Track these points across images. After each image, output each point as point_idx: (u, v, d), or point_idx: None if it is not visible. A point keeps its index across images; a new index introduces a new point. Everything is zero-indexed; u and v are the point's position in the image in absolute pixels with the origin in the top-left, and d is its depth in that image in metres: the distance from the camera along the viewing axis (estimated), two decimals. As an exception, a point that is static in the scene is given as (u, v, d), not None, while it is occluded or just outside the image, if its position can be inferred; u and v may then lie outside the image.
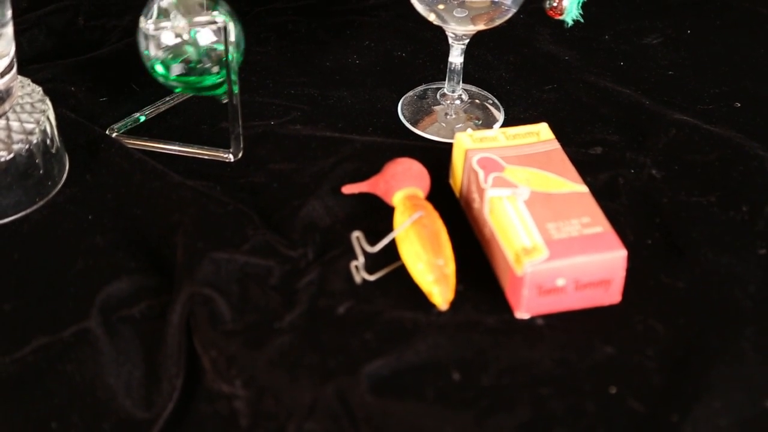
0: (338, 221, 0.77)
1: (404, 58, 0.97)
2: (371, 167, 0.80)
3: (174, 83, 0.83)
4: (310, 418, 0.64)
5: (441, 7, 0.82)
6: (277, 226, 0.77)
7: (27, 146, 0.77)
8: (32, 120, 0.78)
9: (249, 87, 0.91)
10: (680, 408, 0.64)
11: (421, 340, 0.68)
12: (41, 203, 0.79)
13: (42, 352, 0.68)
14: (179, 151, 0.84)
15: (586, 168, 0.81)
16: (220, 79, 0.83)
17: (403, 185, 0.76)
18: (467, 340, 0.68)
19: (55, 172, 0.80)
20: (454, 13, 0.82)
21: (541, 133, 0.80)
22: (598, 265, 0.69)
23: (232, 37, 0.79)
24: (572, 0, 0.84)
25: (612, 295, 0.71)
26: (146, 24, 0.76)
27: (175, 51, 0.82)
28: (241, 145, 0.84)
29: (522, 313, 0.70)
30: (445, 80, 0.90)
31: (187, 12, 0.80)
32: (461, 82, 0.90)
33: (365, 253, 0.73)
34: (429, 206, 0.74)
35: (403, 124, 0.89)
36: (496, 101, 0.91)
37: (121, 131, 0.86)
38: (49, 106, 0.80)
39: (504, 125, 0.89)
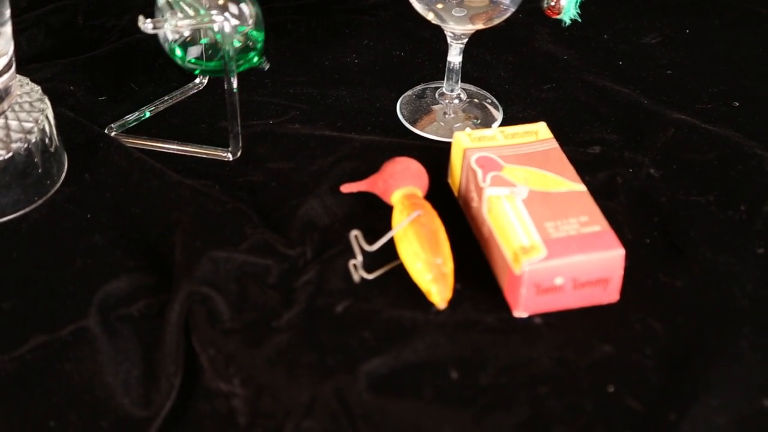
0: (337, 220, 0.77)
1: (403, 57, 0.98)
2: (370, 166, 0.81)
3: (213, 68, 0.83)
4: (309, 416, 0.64)
5: (440, 6, 0.82)
6: (276, 224, 0.77)
7: (26, 145, 0.77)
8: (31, 119, 0.78)
9: (248, 86, 0.91)
10: (678, 407, 0.64)
11: (420, 339, 0.68)
12: (40, 202, 0.79)
13: (40, 351, 0.68)
14: (178, 150, 0.84)
15: (584, 167, 0.81)
16: (258, 48, 0.83)
17: (401, 184, 0.76)
18: (465, 338, 0.68)
19: (54, 171, 0.80)
20: (452, 12, 0.82)
21: (540, 132, 0.80)
22: (596, 264, 0.69)
23: (227, 27, 0.79)
24: (570, -1, 0.84)
25: (610, 294, 0.71)
26: (144, 24, 0.76)
27: (194, 35, 0.83)
28: (240, 144, 0.84)
29: (520, 312, 0.70)
30: (443, 79, 0.90)
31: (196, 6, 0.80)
32: (460, 81, 0.90)
33: (364, 252, 0.73)
34: (427, 205, 0.74)
35: (402, 124, 0.89)
36: (494, 100, 0.91)
37: (119, 130, 0.86)
38: (47, 105, 0.80)
39: (502, 124, 0.89)
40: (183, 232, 0.74)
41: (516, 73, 0.96)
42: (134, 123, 0.87)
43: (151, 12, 0.82)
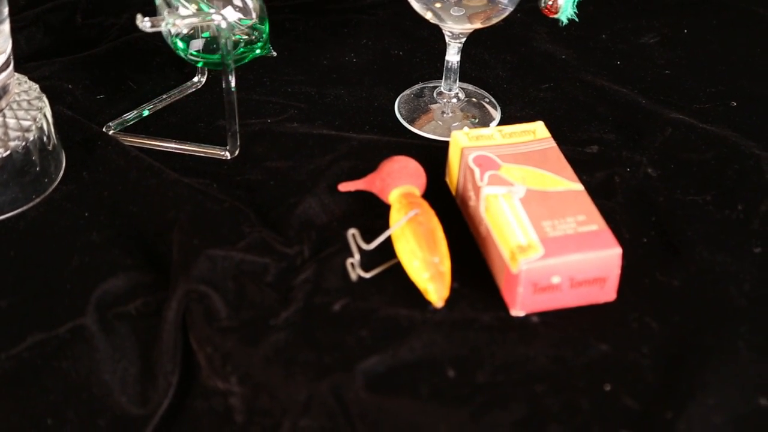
0: (334, 219, 0.77)
1: (401, 56, 0.98)
2: (368, 165, 0.81)
3: (200, 59, 0.84)
4: (306, 414, 0.64)
5: (438, 5, 0.82)
6: (274, 223, 0.77)
7: (24, 143, 0.77)
8: (29, 117, 0.78)
9: (246, 85, 0.91)
10: (674, 405, 0.64)
11: (417, 338, 0.68)
12: (38, 200, 0.79)
13: (38, 349, 0.68)
14: (176, 148, 0.84)
15: (582, 166, 0.81)
16: (263, 40, 0.84)
17: (399, 183, 0.76)
18: (462, 337, 0.68)
19: (52, 169, 0.80)
20: (451, 11, 0.82)
21: (537, 131, 0.80)
22: (594, 262, 0.69)
23: (224, 24, 0.79)
24: (567, -1, 0.85)
25: (607, 292, 0.71)
26: (142, 22, 0.76)
27: (197, 28, 0.83)
28: (238, 143, 0.84)
29: (517, 311, 0.70)
30: (442, 79, 0.90)
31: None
32: (458, 80, 0.90)
33: (361, 251, 0.73)
34: (425, 204, 0.74)
35: (400, 123, 0.89)
36: (492, 100, 0.91)
37: (117, 129, 0.86)
38: (45, 104, 0.81)
39: (500, 124, 0.89)
40: (180, 231, 0.74)
41: (514, 72, 0.96)
42: (133, 121, 0.87)
43: (149, 10, 0.82)
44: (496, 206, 0.72)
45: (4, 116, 0.78)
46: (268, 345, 0.67)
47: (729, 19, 1.05)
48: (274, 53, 0.86)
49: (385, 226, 0.75)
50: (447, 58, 0.88)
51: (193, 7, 0.81)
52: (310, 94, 0.92)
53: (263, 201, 0.79)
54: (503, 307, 0.70)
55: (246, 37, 0.83)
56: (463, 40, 0.86)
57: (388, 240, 0.73)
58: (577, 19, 0.87)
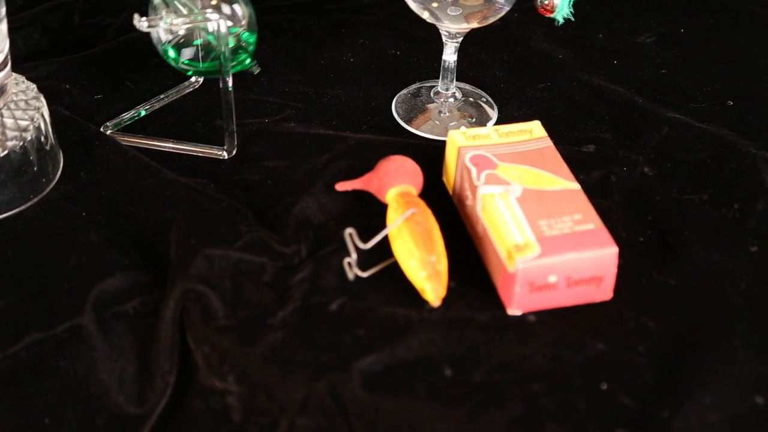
0: (331, 218, 0.77)
1: (398, 56, 0.98)
2: (365, 164, 0.81)
3: (207, 69, 0.84)
4: (303, 413, 0.64)
5: (435, 5, 0.82)
6: (271, 222, 0.77)
7: (21, 143, 0.77)
8: (26, 117, 0.79)
9: (243, 84, 0.91)
10: (671, 404, 0.65)
11: (414, 337, 0.68)
12: (35, 200, 0.79)
13: (35, 348, 0.69)
14: (173, 148, 0.85)
15: (579, 166, 0.81)
16: (249, 50, 0.84)
17: (396, 182, 0.76)
18: (459, 336, 0.68)
19: (50, 169, 0.80)
20: (447, 11, 0.83)
21: (534, 130, 0.80)
22: (590, 261, 0.69)
23: (223, 28, 0.79)
24: (563, -2, 0.85)
25: (604, 291, 0.71)
26: (140, 22, 0.76)
27: (187, 37, 0.83)
28: (235, 143, 0.84)
29: (514, 310, 0.70)
30: (438, 78, 0.90)
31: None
32: (455, 80, 0.90)
33: (358, 250, 0.73)
34: (422, 203, 0.75)
35: (397, 122, 0.89)
36: (489, 99, 0.92)
37: (115, 129, 0.86)
38: (43, 104, 0.81)
39: (497, 123, 0.89)
40: (178, 230, 0.74)
41: (511, 71, 0.96)
42: (129, 122, 0.87)
43: (146, 10, 0.82)
44: (493, 205, 0.72)
45: (1, 116, 0.78)
46: (265, 344, 0.68)
47: (726, 18, 1.05)
48: (257, 70, 0.85)
49: (382, 225, 0.75)
50: (444, 57, 0.88)
51: (185, 11, 0.81)
52: (307, 94, 0.92)
53: (260, 200, 0.79)
54: (500, 306, 0.71)
55: (233, 44, 0.82)
56: (460, 39, 0.86)
57: (385, 239, 0.73)
58: (573, 19, 0.87)
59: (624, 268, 0.72)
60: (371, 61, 0.97)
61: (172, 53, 0.83)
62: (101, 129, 0.86)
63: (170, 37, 0.83)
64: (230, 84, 0.81)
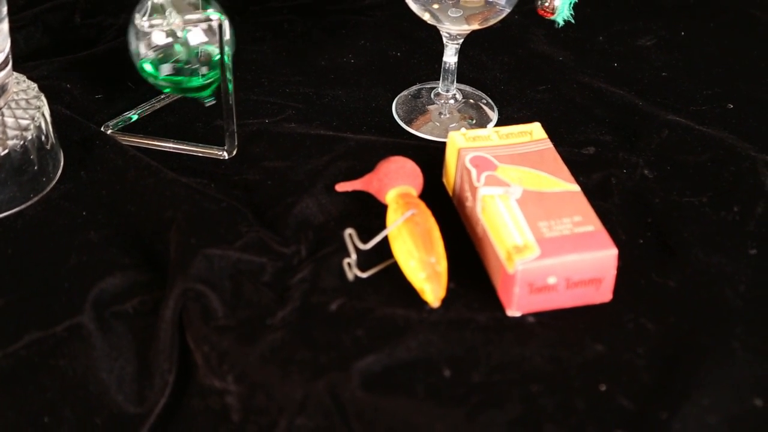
0: (331, 219, 0.78)
1: (399, 57, 0.98)
2: (365, 165, 0.81)
3: (163, 83, 0.83)
4: (302, 413, 0.64)
5: (436, 6, 0.83)
6: (271, 223, 0.77)
7: (22, 142, 0.77)
8: (27, 116, 0.79)
9: (244, 85, 0.92)
10: (669, 405, 0.65)
11: (413, 337, 0.68)
12: (35, 199, 0.79)
13: (35, 347, 0.69)
14: (174, 148, 0.85)
15: (579, 168, 0.81)
16: (206, 81, 0.83)
17: (396, 183, 0.77)
18: (458, 337, 0.69)
19: (50, 168, 0.80)
20: (448, 12, 0.83)
21: (534, 132, 0.80)
22: (589, 263, 0.69)
23: (227, 35, 0.79)
24: (563, 0, 0.85)
25: (603, 293, 0.71)
26: (141, 21, 0.76)
27: (165, 51, 0.82)
28: (236, 143, 0.84)
29: (513, 311, 0.70)
30: (439, 80, 0.90)
31: (180, 11, 0.80)
32: (455, 81, 0.90)
33: (358, 251, 0.73)
34: (422, 204, 0.75)
35: (398, 123, 0.89)
36: (490, 101, 0.92)
37: (115, 128, 0.87)
38: (44, 103, 0.81)
39: (498, 125, 0.89)
40: (178, 230, 0.74)
41: (511, 73, 0.96)
42: (124, 124, 0.87)
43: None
44: (493, 207, 0.72)
45: (2, 115, 0.78)
46: (264, 344, 0.68)
47: (726, 21, 1.05)
48: (212, 102, 0.85)
49: (382, 226, 0.75)
50: (444, 59, 0.88)
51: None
52: (307, 95, 0.92)
53: (260, 201, 0.79)
54: (499, 308, 0.71)
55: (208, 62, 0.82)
56: (461, 41, 0.86)
57: (385, 240, 0.73)
58: (573, 21, 0.87)
59: (623, 270, 0.72)
60: (372, 62, 0.97)
61: (148, 67, 0.82)
62: (102, 128, 0.86)
63: (149, 52, 0.82)
64: (231, 84, 0.81)
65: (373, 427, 0.64)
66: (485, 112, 0.91)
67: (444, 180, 0.81)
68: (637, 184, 0.82)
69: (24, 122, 0.78)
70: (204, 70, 0.82)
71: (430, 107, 0.91)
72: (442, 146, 0.82)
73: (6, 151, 0.76)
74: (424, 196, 0.78)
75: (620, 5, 1.07)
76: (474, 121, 0.89)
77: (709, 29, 1.04)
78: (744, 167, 0.83)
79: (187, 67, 0.82)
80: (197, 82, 0.83)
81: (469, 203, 0.76)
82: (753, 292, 0.73)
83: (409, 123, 0.89)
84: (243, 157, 0.84)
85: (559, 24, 0.86)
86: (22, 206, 0.78)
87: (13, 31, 0.84)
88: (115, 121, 0.87)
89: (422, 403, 0.65)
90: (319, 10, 1.04)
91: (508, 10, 0.83)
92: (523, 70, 0.96)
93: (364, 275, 0.72)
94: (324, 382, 0.65)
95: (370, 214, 0.78)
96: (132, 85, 0.92)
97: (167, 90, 0.84)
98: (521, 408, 0.64)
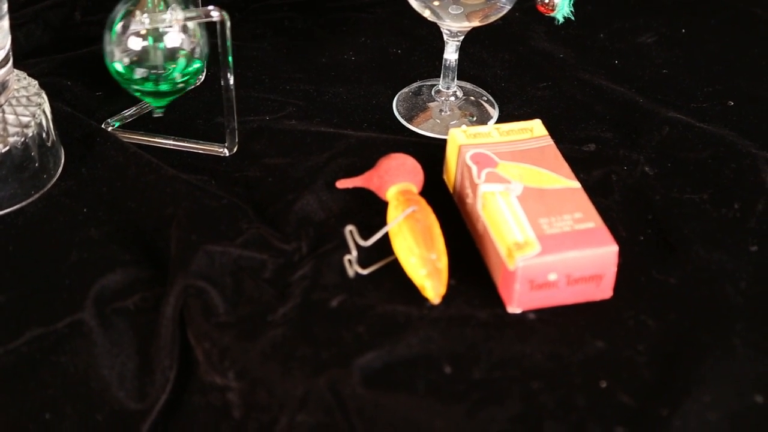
0: (332, 215, 0.78)
1: (400, 54, 0.98)
2: (365, 162, 0.81)
3: (134, 86, 0.82)
4: (303, 410, 0.64)
5: (436, 3, 0.83)
6: (272, 219, 0.77)
7: (23, 139, 0.77)
8: (28, 113, 0.79)
9: (245, 82, 0.92)
10: (670, 402, 0.65)
11: (413, 334, 0.68)
12: (37, 196, 0.79)
13: (36, 344, 0.69)
14: (174, 145, 0.85)
15: (579, 165, 0.81)
16: (179, 85, 0.82)
17: (397, 180, 0.77)
18: (459, 333, 0.69)
19: (51, 165, 0.80)
20: (449, 9, 0.83)
21: (535, 129, 0.80)
22: (590, 260, 0.69)
23: (228, 32, 0.79)
24: (564, -3, 0.85)
25: (603, 290, 0.71)
26: (142, 17, 0.76)
27: (140, 54, 0.81)
28: (236, 140, 0.84)
29: (514, 308, 0.70)
30: (440, 77, 0.90)
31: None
32: (456, 78, 0.90)
33: (358, 247, 0.73)
34: (422, 201, 0.75)
35: (398, 120, 0.89)
36: (490, 98, 0.92)
37: (116, 125, 0.87)
38: (45, 100, 0.81)
39: (498, 122, 0.89)
40: (179, 227, 0.74)
41: (512, 70, 0.96)
42: (131, 118, 0.87)
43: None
44: (493, 203, 0.72)
45: (3, 112, 0.78)
46: (265, 340, 0.68)
47: (727, 18, 1.05)
48: (160, 114, 0.85)
49: (383, 222, 0.75)
50: (445, 56, 0.88)
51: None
52: (308, 92, 0.92)
53: (261, 197, 0.79)
54: (500, 304, 0.71)
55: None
56: (461, 38, 0.86)
57: (386, 237, 0.73)
58: (573, 18, 0.87)
59: (624, 266, 0.72)
60: (372, 59, 0.97)
61: (119, 67, 0.81)
62: (102, 125, 0.86)
63: (124, 56, 0.81)
64: (231, 81, 0.81)
65: (374, 423, 0.64)
66: (486, 109, 0.91)
67: (444, 177, 0.82)
68: (638, 181, 0.82)
69: (25, 119, 0.78)
70: (178, 75, 0.82)
71: (431, 104, 0.91)
72: (442, 143, 0.82)
73: (7, 148, 0.76)
74: (424, 193, 0.78)
75: (621, 2, 1.07)
76: (475, 118, 0.90)
77: (710, 26, 1.04)
78: (745, 164, 0.84)
79: (159, 71, 0.81)
80: (166, 87, 0.82)
81: (469, 200, 0.76)
82: (754, 288, 0.73)
83: (409, 120, 0.89)
84: (244, 154, 0.84)
85: (559, 21, 0.86)
86: (23, 203, 0.78)
87: (14, 28, 0.85)
88: (115, 118, 0.87)
89: (423, 399, 0.65)
90: (320, 7, 1.04)
91: (508, 7, 0.83)
92: (524, 67, 0.96)
93: (365, 272, 0.72)
94: (325, 379, 0.65)
95: (371, 210, 0.78)
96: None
97: (137, 93, 0.83)
98: (522, 405, 0.64)
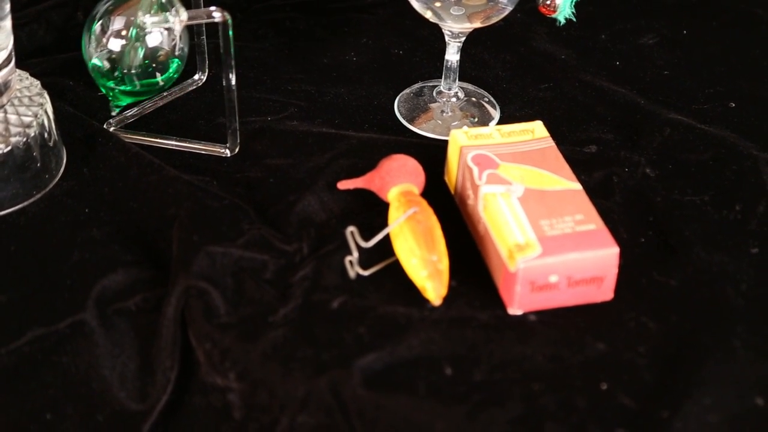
0: (333, 216, 0.78)
1: (401, 55, 0.98)
2: (367, 163, 0.81)
3: (109, 86, 0.82)
4: (303, 411, 0.64)
5: (438, 4, 0.83)
6: (273, 220, 0.77)
7: (25, 139, 0.77)
8: (30, 113, 0.79)
9: (246, 83, 0.92)
10: (671, 404, 0.65)
11: (414, 335, 0.68)
12: (38, 196, 0.79)
13: (37, 344, 0.69)
14: (176, 145, 0.85)
15: (580, 166, 0.81)
16: (157, 84, 0.83)
17: (398, 181, 0.77)
18: (460, 335, 0.69)
19: (53, 165, 0.80)
20: (450, 10, 0.83)
21: (536, 130, 0.80)
22: (591, 261, 0.70)
23: (230, 33, 0.79)
24: (565, -2, 0.85)
25: (604, 292, 0.71)
26: (144, 18, 0.76)
27: (119, 54, 0.81)
28: (238, 140, 0.84)
29: (515, 309, 0.70)
30: (441, 78, 0.90)
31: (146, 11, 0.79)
32: (457, 79, 0.90)
33: (359, 248, 0.73)
34: (424, 202, 0.75)
35: (400, 121, 0.89)
36: (492, 99, 0.92)
37: (118, 125, 0.87)
38: (47, 100, 0.81)
39: (499, 123, 0.89)
40: (180, 227, 0.74)
41: (513, 72, 0.96)
42: (133, 119, 0.87)
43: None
44: (495, 205, 0.72)
45: (5, 112, 0.78)
46: (266, 341, 0.68)
47: (728, 20, 1.05)
48: (113, 111, 0.85)
49: (384, 224, 0.75)
50: (446, 57, 0.89)
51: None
52: (310, 93, 0.92)
53: (263, 198, 0.79)
54: (501, 306, 0.71)
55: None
56: (463, 39, 0.86)
57: (387, 238, 0.73)
58: (575, 20, 0.87)
59: (625, 268, 0.72)
60: (374, 60, 0.97)
61: (96, 62, 0.81)
62: (104, 126, 0.86)
63: (101, 55, 0.82)
64: (233, 82, 0.81)
65: (375, 424, 0.64)
66: (487, 110, 0.91)
67: (446, 178, 0.82)
68: (639, 182, 0.82)
69: (27, 119, 0.78)
70: (159, 74, 0.82)
71: (432, 105, 0.91)
72: (444, 144, 0.82)
73: (9, 148, 0.76)
74: (425, 194, 0.78)
75: (622, 4, 1.07)
76: (476, 119, 0.90)
77: (711, 28, 1.04)
78: (746, 166, 0.84)
79: (138, 71, 0.81)
80: (131, 87, 0.82)
81: (470, 201, 0.76)
82: (754, 290, 0.73)
83: (411, 121, 0.89)
84: (245, 154, 0.84)
85: (560, 22, 0.87)
86: (25, 203, 0.78)
87: (16, 28, 0.85)
88: (117, 118, 0.87)
89: (423, 401, 0.65)
90: (322, 7, 1.04)
91: (510, 8, 0.83)
92: (525, 68, 0.96)
93: (366, 273, 0.72)
94: (325, 380, 0.65)
95: (372, 211, 0.78)
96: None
97: (110, 94, 0.83)
98: (522, 406, 0.64)
